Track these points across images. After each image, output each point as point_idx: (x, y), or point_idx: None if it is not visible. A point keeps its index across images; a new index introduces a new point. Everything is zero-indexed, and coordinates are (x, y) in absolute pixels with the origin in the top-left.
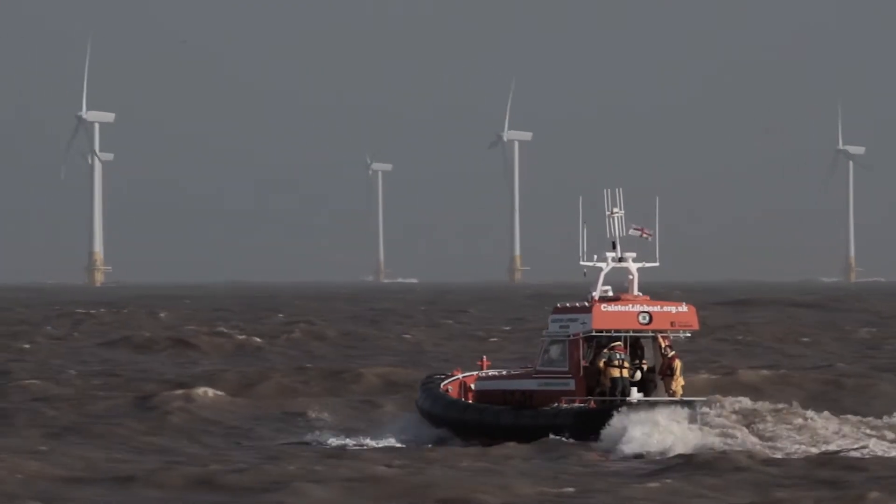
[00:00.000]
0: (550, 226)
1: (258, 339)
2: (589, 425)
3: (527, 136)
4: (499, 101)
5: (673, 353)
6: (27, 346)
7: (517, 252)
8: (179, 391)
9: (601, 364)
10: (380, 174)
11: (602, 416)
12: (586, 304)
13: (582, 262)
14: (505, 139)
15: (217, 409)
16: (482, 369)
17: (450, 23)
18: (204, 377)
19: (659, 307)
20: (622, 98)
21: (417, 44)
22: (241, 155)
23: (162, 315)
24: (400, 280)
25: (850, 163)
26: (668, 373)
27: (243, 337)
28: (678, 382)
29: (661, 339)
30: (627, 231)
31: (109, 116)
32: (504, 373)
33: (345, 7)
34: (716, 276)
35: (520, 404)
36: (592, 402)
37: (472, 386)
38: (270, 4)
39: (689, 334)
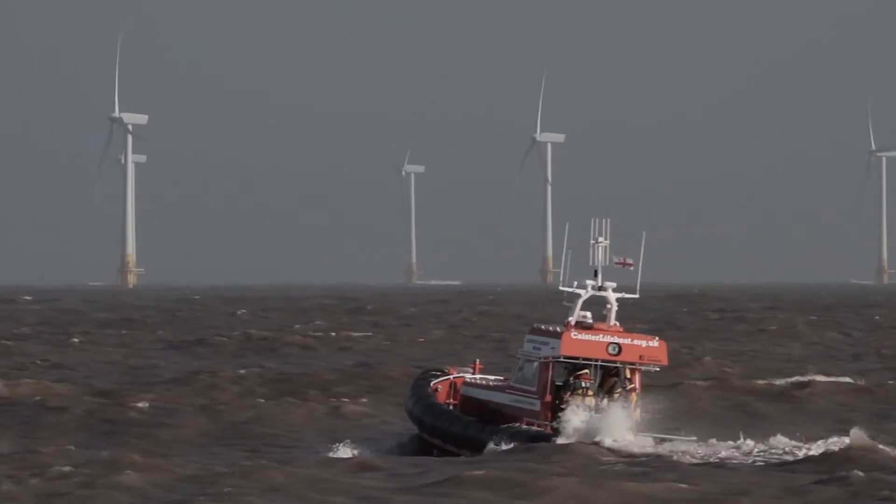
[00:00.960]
0: (582, 227)
1: (356, 336)
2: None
3: (559, 137)
4: (532, 103)
5: (632, 385)
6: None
7: (549, 253)
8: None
9: (567, 391)
10: (412, 176)
11: (544, 439)
12: (558, 329)
13: (561, 287)
14: (538, 140)
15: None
16: (474, 371)
17: (483, 25)
18: (331, 378)
19: (630, 339)
20: (655, 100)
21: (447, 46)
22: (268, 158)
23: (240, 312)
24: (441, 282)
25: (884, 164)
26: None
27: (336, 334)
28: (633, 415)
29: (628, 371)
30: (610, 262)
31: (143, 118)
32: (490, 379)
33: (378, 12)
34: (745, 279)
35: (492, 416)
36: (549, 428)
37: (461, 389)
38: (303, 15)
39: (657, 369)
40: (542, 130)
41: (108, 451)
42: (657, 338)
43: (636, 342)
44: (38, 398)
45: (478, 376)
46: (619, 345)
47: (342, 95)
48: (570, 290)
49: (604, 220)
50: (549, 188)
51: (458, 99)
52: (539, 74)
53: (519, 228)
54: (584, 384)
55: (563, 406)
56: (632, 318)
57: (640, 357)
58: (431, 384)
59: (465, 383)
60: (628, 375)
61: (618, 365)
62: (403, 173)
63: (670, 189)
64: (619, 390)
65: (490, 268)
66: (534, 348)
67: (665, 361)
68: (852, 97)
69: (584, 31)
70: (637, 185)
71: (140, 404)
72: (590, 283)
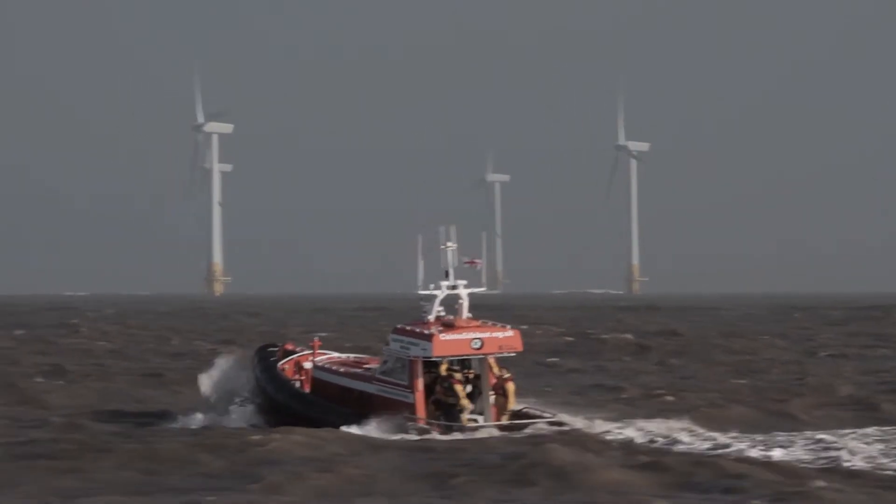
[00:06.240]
0: (667, 238)
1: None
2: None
3: (644, 146)
4: (614, 111)
5: (508, 375)
6: None
7: (635, 262)
8: None
9: (440, 391)
10: (497, 185)
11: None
12: (425, 332)
13: (419, 292)
14: (622, 150)
15: None
16: (313, 351)
17: (568, 32)
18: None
19: (489, 333)
20: (740, 105)
21: (531, 55)
22: (343, 164)
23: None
24: (531, 291)
25: None
26: (500, 392)
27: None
28: (510, 403)
29: (491, 361)
30: (460, 262)
31: (228, 127)
32: (340, 360)
33: (477, 12)
34: (793, 288)
35: (358, 405)
36: (436, 427)
37: (312, 372)
38: (394, 15)
39: (514, 354)
40: (626, 139)
41: None
42: (509, 327)
43: (494, 334)
44: None
45: (323, 357)
46: (481, 339)
47: (427, 104)
48: (426, 292)
49: (450, 227)
50: (635, 197)
51: (543, 106)
52: (622, 81)
53: (603, 237)
54: (455, 387)
55: (437, 401)
56: None
57: (500, 347)
58: (279, 365)
59: (317, 366)
60: (495, 366)
61: (479, 357)
62: (488, 182)
63: (766, 196)
64: (470, 371)
65: (572, 276)
66: (401, 347)
67: (520, 348)
68: None
69: (666, 35)
70: (723, 194)
71: None
72: (443, 283)
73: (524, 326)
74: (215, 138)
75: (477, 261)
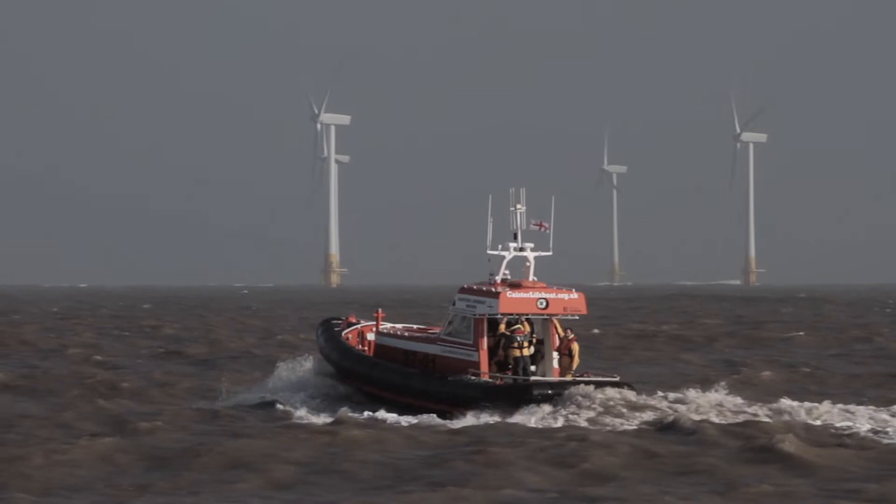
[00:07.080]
0: (785, 228)
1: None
2: (501, 401)
3: (761, 137)
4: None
5: (573, 336)
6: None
7: (752, 254)
8: None
9: (503, 346)
10: (614, 176)
11: (512, 392)
12: (493, 289)
13: (488, 252)
14: (741, 141)
15: None
16: (377, 321)
17: (685, 27)
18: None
19: (554, 294)
20: (862, 94)
21: (652, 48)
22: (460, 155)
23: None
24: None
25: None
26: (566, 353)
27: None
28: (575, 362)
29: (555, 322)
30: (528, 225)
31: (345, 119)
32: (402, 329)
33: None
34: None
35: (422, 366)
36: (501, 380)
37: (373, 339)
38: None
39: (577, 317)
40: (743, 130)
41: None
42: (574, 290)
43: (560, 296)
44: None
45: (387, 325)
46: (546, 299)
47: (545, 97)
48: (495, 253)
49: (521, 189)
50: (752, 188)
51: (661, 99)
52: (737, 72)
53: (718, 228)
54: (520, 338)
55: (499, 362)
56: None
57: (564, 309)
58: (342, 334)
59: (380, 333)
60: (559, 326)
61: (544, 317)
62: (603, 172)
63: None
64: (533, 335)
65: (688, 268)
66: (467, 306)
67: (584, 311)
68: None
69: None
70: (845, 184)
71: None
72: (511, 245)
73: (664, 316)
74: (332, 129)
75: (545, 224)
